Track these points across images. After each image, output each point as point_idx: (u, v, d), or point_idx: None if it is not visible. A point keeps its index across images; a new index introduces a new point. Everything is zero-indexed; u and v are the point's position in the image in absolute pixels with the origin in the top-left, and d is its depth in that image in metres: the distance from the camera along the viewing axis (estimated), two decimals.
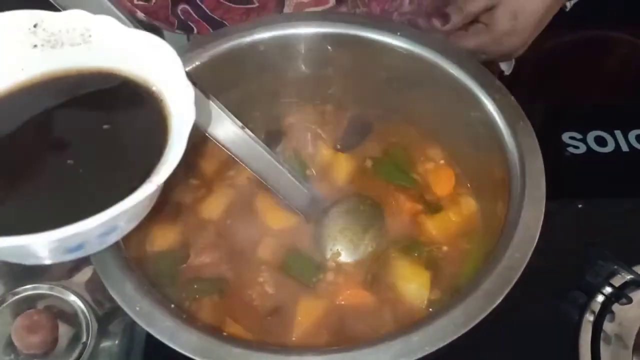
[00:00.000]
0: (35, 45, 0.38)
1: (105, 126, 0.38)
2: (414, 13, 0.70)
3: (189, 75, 0.37)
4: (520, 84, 0.80)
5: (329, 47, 0.57)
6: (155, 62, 0.38)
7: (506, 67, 0.75)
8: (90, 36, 0.38)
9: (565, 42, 0.91)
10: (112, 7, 0.41)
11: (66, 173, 0.35)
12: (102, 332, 0.56)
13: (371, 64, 0.58)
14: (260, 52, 0.56)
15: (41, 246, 0.32)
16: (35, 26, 0.38)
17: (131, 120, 0.38)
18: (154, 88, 0.38)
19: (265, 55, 0.57)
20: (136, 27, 0.40)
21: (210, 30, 0.68)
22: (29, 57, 0.38)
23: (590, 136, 0.73)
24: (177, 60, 0.37)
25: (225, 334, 0.42)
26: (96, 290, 0.58)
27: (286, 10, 0.65)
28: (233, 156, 0.49)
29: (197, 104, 0.36)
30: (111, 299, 0.57)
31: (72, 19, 0.38)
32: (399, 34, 0.55)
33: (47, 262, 0.35)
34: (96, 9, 0.39)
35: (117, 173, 0.36)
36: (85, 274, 0.59)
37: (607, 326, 0.58)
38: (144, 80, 0.38)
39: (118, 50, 0.38)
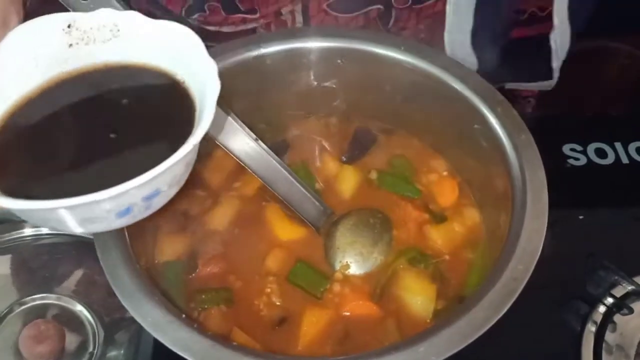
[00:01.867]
0: (70, 45, 0.42)
1: (137, 111, 0.42)
2: None
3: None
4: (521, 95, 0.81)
5: (334, 61, 0.58)
6: (178, 46, 0.41)
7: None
8: (118, 31, 0.42)
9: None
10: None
11: (110, 147, 0.40)
12: (109, 341, 0.57)
13: (375, 77, 0.59)
14: (266, 65, 0.57)
15: (94, 208, 0.35)
16: (69, 27, 0.42)
17: (161, 103, 0.42)
18: (178, 73, 0.42)
19: (272, 68, 0.58)
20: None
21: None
22: (65, 55, 0.42)
23: (591, 148, 0.73)
24: (197, 41, 0.41)
25: (234, 343, 0.42)
26: (103, 301, 0.59)
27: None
28: (246, 167, 0.50)
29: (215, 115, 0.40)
30: (117, 309, 0.58)
31: (102, 17, 0.42)
32: (402, 48, 0.56)
33: (100, 228, 0.38)
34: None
35: (155, 144, 0.40)
36: (92, 284, 0.60)
37: (609, 336, 0.58)
38: (170, 67, 0.42)
39: (145, 40, 0.42)
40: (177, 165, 0.35)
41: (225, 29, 0.69)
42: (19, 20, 0.42)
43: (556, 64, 0.70)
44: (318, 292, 0.52)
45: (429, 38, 0.71)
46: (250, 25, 0.68)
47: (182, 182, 0.40)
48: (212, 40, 0.70)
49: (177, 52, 0.41)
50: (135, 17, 0.42)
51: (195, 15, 0.67)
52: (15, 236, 0.63)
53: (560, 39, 0.68)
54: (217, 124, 0.49)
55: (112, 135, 0.40)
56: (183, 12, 0.67)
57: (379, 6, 0.66)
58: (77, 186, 0.35)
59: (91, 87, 0.43)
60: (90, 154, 0.40)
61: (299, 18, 0.67)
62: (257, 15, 0.66)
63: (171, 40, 0.41)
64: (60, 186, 0.38)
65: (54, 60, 0.42)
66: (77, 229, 0.38)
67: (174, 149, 0.35)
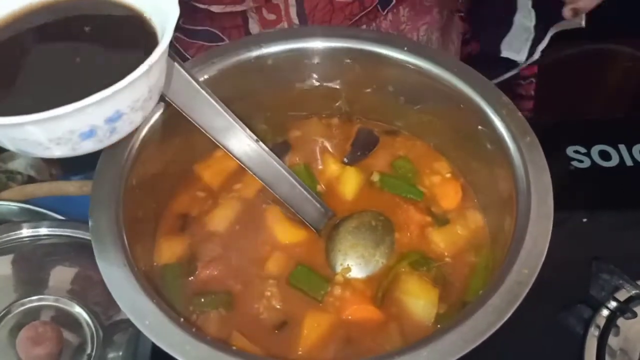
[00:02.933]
0: None
1: (101, 39, 0.44)
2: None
3: None
4: (525, 97, 0.81)
5: (336, 61, 0.58)
6: None
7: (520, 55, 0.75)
8: None
9: (568, 56, 0.92)
10: None
11: (75, 71, 0.42)
12: (107, 343, 0.56)
13: (378, 78, 0.58)
14: (268, 65, 0.57)
15: (54, 125, 0.36)
16: None
17: (126, 34, 0.44)
18: (145, 10, 0.44)
19: (273, 68, 0.57)
20: None
21: None
22: None
23: (595, 150, 0.73)
24: None
25: (233, 347, 0.42)
26: (101, 302, 0.58)
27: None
28: (247, 169, 0.49)
29: (207, 110, 0.44)
30: (116, 310, 0.58)
31: None
32: (405, 48, 0.56)
33: (66, 150, 0.39)
34: (184, 89, 0.48)
35: (117, 69, 0.39)
36: (91, 286, 0.59)
37: (612, 340, 0.58)
38: (137, 3, 0.44)
39: None
40: (136, 84, 0.36)
41: (214, 8, 0.67)
42: None
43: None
44: (319, 295, 0.51)
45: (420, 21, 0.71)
46: (240, 8, 0.67)
47: (149, 109, 0.42)
48: (201, 21, 0.70)
49: None
50: None
51: None
52: (13, 237, 0.63)
53: None
54: (217, 124, 0.49)
55: (77, 59, 0.42)
56: None
57: None
58: (41, 106, 0.35)
59: (57, 16, 0.44)
60: (55, 78, 0.41)
61: (292, 1, 0.66)
62: None
63: None
64: (25, 106, 0.38)
65: None
66: (43, 150, 0.39)
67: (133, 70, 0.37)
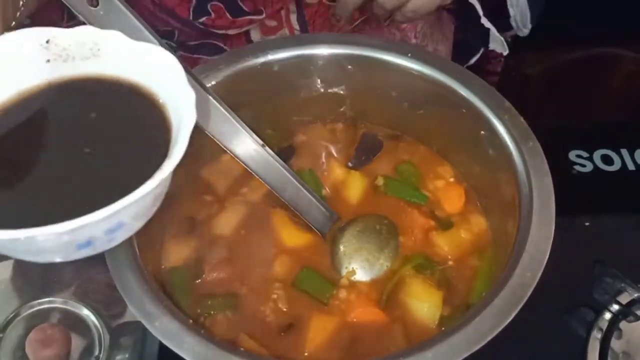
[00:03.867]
0: (48, 60, 0.41)
1: (110, 128, 0.40)
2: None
3: (195, 81, 0.41)
4: (526, 101, 0.82)
5: (341, 67, 0.58)
6: (159, 71, 0.40)
7: (502, 47, 0.77)
8: (99, 50, 0.41)
9: (571, 60, 0.92)
10: (139, 24, 0.44)
11: (73, 171, 0.38)
12: (114, 346, 0.57)
13: (382, 83, 0.59)
14: (273, 72, 0.58)
15: (51, 240, 0.33)
16: (47, 42, 0.40)
17: (135, 124, 0.40)
18: (158, 95, 0.40)
19: (279, 75, 0.58)
20: (146, 37, 0.43)
21: None
22: (41, 70, 0.41)
23: (597, 154, 0.73)
24: (179, 67, 0.39)
25: (242, 349, 0.43)
26: (108, 304, 0.59)
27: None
28: (252, 173, 0.50)
29: (214, 116, 0.40)
30: (123, 313, 0.59)
31: (82, 34, 0.41)
32: (409, 55, 0.56)
33: (58, 259, 0.36)
34: (126, 28, 0.42)
35: (122, 171, 0.38)
36: (98, 288, 0.60)
37: (615, 343, 0.58)
38: (149, 88, 0.40)
39: (125, 61, 0.41)
40: (143, 199, 0.34)
41: (231, 32, 0.69)
42: (1, 30, 0.41)
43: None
44: (324, 298, 0.52)
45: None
46: (253, 26, 0.68)
47: (150, 215, 0.38)
48: (204, 36, 0.71)
49: (157, 76, 0.40)
50: (117, 38, 0.41)
51: (203, 19, 0.67)
52: None
53: None
54: (223, 128, 0.50)
55: (78, 154, 0.38)
56: (190, 16, 0.67)
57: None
58: (35, 212, 0.33)
59: (62, 100, 0.41)
60: (54, 177, 0.38)
61: (293, 7, 0.67)
62: (263, 16, 0.67)
63: (153, 64, 0.40)
64: (17, 210, 0.36)
65: (28, 75, 0.40)
66: (32, 257, 0.36)
67: (142, 177, 0.34)
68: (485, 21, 0.73)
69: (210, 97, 0.48)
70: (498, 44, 0.76)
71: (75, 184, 0.37)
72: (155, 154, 0.36)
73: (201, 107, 0.47)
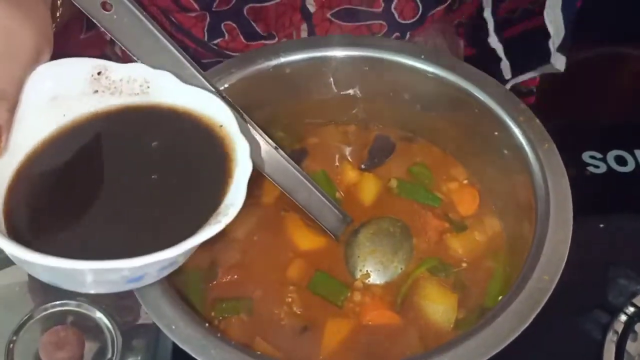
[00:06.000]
0: (96, 91, 0.41)
1: (171, 156, 0.41)
2: None
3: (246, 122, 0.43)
4: (538, 102, 0.81)
5: (353, 70, 0.58)
6: (209, 114, 0.41)
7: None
8: (148, 88, 0.42)
9: (583, 60, 0.92)
10: (182, 59, 0.44)
11: (136, 201, 0.38)
12: (127, 348, 0.57)
13: (395, 85, 0.59)
14: (286, 74, 0.57)
15: (114, 273, 0.33)
16: (99, 74, 0.41)
17: (196, 152, 0.41)
18: (216, 122, 0.41)
19: (291, 77, 0.58)
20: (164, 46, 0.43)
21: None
22: (89, 99, 0.41)
23: (610, 156, 0.73)
24: (230, 115, 0.40)
25: (258, 352, 0.43)
26: (121, 307, 0.59)
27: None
28: (265, 175, 0.50)
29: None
30: (135, 316, 0.59)
31: (134, 71, 0.42)
32: (423, 57, 0.56)
33: (105, 290, 0.37)
34: (168, 61, 0.43)
35: (185, 203, 0.38)
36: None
37: (630, 346, 0.57)
38: (207, 118, 0.41)
39: (173, 102, 0.42)
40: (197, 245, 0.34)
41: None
42: (50, 53, 0.41)
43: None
44: (339, 300, 0.51)
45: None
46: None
47: (194, 249, 0.38)
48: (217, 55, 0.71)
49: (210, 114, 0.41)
50: (168, 79, 0.42)
51: (217, 40, 0.67)
52: None
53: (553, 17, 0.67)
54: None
55: (151, 178, 0.38)
56: (205, 37, 0.67)
57: (381, 22, 0.67)
58: (93, 243, 0.33)
59: (117, 128, 0.41)
60: (116, 205, 0.38)
61: (304, 26, 0.67)
62: (276, 40, 0.67)
63: (201, 107, 0.41)
64: (74, 240, 0.36)
65: (75, 103, 0.41)
66: (78, 287, 0.36)
67: (205, 209, 0.35)
68: (493, 41, 0.71)
69: (223, 100, 0.48)
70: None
71: (139, 215, 0.37)
72: (214, 191, 0.37)
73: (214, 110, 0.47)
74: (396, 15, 0.67)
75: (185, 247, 0.33)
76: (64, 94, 0.40)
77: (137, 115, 0.41)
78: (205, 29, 0.66)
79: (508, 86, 0.71)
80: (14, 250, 0.32)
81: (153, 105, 0.42)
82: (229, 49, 0.68)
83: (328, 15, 0.66)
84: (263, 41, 0.67)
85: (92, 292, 0.37)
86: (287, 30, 0.67)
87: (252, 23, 0.65)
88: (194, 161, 0.40)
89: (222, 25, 0.66)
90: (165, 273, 0.38)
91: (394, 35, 0.70)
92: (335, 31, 0.68)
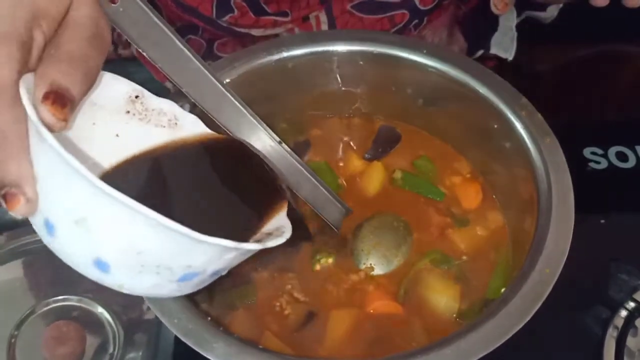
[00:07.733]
0: (127, 112, 0.43)
1: (223, 180, 0.45)
2: None
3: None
4: (539, 98, 0.81)
5: (356, 64, 0.58)
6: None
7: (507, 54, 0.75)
8: (176, 124, 0.45)
9: (583, 57, 0.91)
10: (187, 52, 0.45)
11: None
12: (128, 343, 0.57)
13: (397, 80, 0.59)
14: (288, 68, 0.57)
15: (224, 254, 0.35)
16: (136, 97, 0.43)
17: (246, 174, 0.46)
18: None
19: (294, 71, 0.58)
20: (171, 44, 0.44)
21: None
22: (119, 117, 0.43)
23: (612, 151, 0.73)
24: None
25: (260, 346, 0.43)
26: (122, 302, 0.59)
27: None
28: None
29: (231, 113, 0.45)
30: (136, 311, 0.59)
31: (167, 105, 0.44)
32: (425, 51, 0.56)
33: (184, 290, 0.37)
34: (173, 53, 0.44)
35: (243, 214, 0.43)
36: None
37: (631, 341, 0.57)
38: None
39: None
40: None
41: (254, 32, 0.69)
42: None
43: None
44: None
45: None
46: (279, 30, 0.68)
47: None
48: (239, 42, 0.71)
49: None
50: (196, 123, 0.45)
51: (226, 17, 0.67)
52: (37, 237, 0.63)
53: None
54: (241, 126, 0.50)
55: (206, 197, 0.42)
56: (214, 14, 0.67)
57: (403, 11, 0.66)
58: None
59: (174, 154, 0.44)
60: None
61: (324, 18, 0.67)
62: (289, 18, 0.66)
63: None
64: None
65: (107, 116, 0.42)
66: (171, 289, 0.36)
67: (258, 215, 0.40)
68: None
69: (228, 94, 0.48)
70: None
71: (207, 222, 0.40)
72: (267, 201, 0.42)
73: (219, 104, 0.48)
74: (417, 2, 0.67)
75: (259, 247, 0.36)
76: (102, 103, 0.41)
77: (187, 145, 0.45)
78: (214, 4, 0.66)
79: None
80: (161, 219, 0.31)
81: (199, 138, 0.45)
82: (238, 25, 0.67)
83: (348, 8, 0.66)
84: (273, 17, 0.67)
85: (174, 293, 0.37)
86: (303, 11, 0.66)
87: (262, 4, 0.65)
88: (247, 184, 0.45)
89: (233, 1, 0.65)
90: (209, 281, 0.38)
91: (414, 22, 0.69)
92: (357, 24, 0.67)
